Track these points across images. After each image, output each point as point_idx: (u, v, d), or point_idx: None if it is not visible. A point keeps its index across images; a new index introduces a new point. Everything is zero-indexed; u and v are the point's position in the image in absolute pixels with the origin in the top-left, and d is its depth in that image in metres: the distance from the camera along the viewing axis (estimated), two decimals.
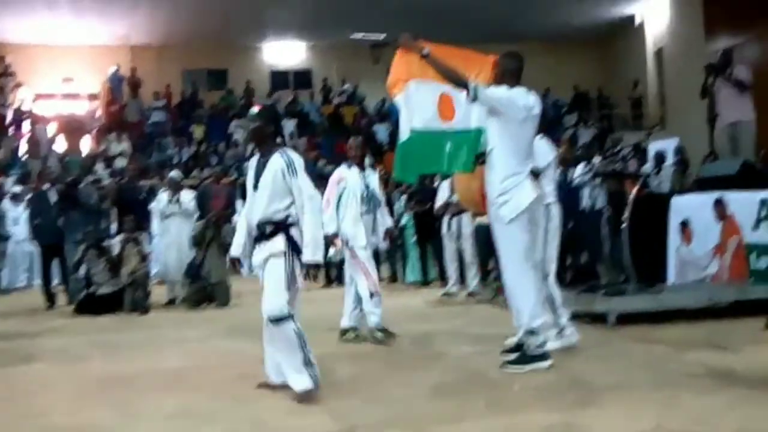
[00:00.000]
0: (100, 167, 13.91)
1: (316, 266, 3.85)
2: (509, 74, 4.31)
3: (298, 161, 3.86)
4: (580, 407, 3.45)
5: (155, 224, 9.44)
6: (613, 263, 6.21)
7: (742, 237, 6.23)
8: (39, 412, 3.86)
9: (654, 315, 5.45)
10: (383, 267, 9.76)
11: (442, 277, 9.08)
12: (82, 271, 8.10)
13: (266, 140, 3.95)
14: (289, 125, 16.13)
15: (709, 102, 7.62)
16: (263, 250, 3.83)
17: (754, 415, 3.24)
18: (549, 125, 13.80)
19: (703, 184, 7.17)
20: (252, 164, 4.02)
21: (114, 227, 9.47)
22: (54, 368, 5.07)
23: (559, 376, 4.06)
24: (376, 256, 6.01)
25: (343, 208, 5.45)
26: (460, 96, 4.31)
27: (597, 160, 7.65)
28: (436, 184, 8.96)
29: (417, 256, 9.82)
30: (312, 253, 3.78)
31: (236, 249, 4.08)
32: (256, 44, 18.86)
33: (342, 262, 9.42)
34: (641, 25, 17.65)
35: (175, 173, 9.53)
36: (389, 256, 10.07)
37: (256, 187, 3.88)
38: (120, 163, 14.42)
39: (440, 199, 8.35)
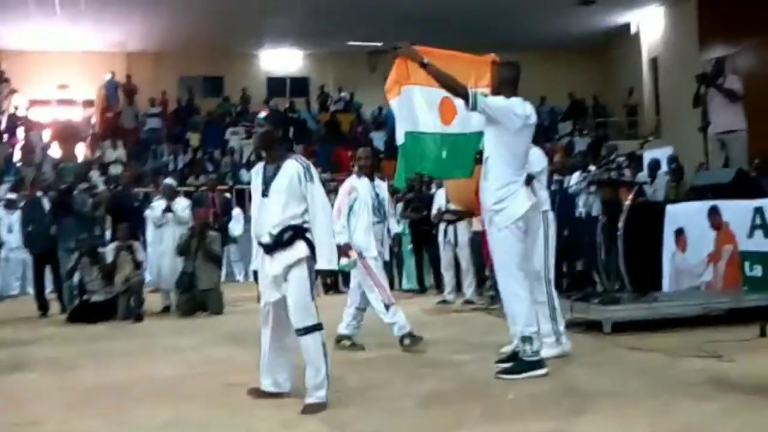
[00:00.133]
0: (95, 174, 13.85)
1: (331, 273, 3.83)
2: (507, 83, 4.34)
3: (313, 167, 3.82)
4: (574, 415, 3.45)
5: (150, 232, 9.41)
6: (608, 271, 6.21)
7: (737, 245, 6.25)
8: (31, 421, 3.84)
9: (649, 323, 5.46)
10: None
11: (438, 285, 9.08)
12: (76, 278, 8.07)
13: (275, 145, 3.84)
14: None
15: (702, 110, 7.66)
16: (283, 258, 3.70)
17: (749, 423, 3.24)
18: (544, 133, 13.88)
19: (697, 193, 7.20)
20: (258, 171, 3.89)
21: (108, 235, 9.42)
22: (47, 376, 5.03)
23: (553, 383, 4.05)
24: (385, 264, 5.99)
25: (354, 219, 5.39)
26: (458, 100, 4.34)
27: (592, 168, 7.67)
28: (432, 191, 8.97)
29: (413, 263, 9.82)
30: (327, 261, 3.69)
31: (256, 263, 3.99)
32: (253, 51, 18.87)
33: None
34: (636, 33, 17.73)
35: (169, 180, 9.51)
36: (385, 264, 10.05)
37: (266, 193, 3.76)
38: (115, 170, 14.39)
39: (436, 207, 8.36)
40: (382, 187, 5.67)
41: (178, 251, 8.13)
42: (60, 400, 4.32)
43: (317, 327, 3.72)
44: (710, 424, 3.24)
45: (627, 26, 17.70)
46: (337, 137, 16.93)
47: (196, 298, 8.06)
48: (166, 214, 8.58)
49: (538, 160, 4.72)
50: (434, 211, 8.42)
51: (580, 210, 7.57)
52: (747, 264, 6.15)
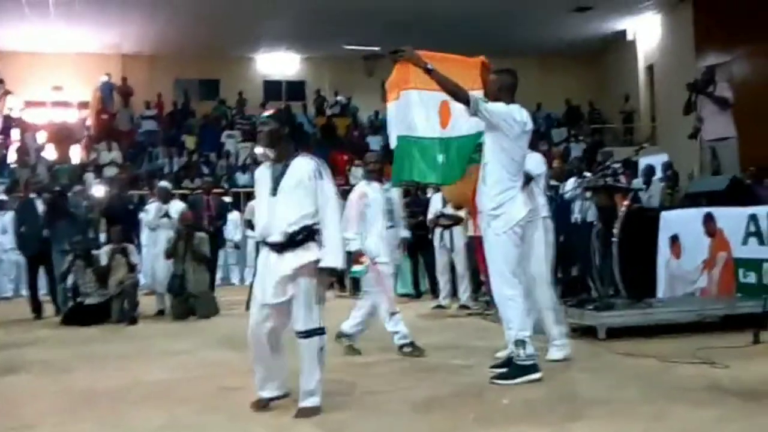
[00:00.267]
0: (89, 176, 13.83)
1: (335, 272, 3.68)
2: (506, 90, 4.38)
3: (325, 166, 3.75)
4: (569, 420, 3.45)
5: (144, 235, 9.39)
6: (602, 277, 6.22)
7: (731, 252, 6.27)
8: (25, 424, 3.83)
9: (643, 329, 5.47)
10: None
11: (434, 290, 9.07)
12: (70, 281, 8.03)
13: (281, 143, 3.75)
14: None
15: (696, 117, 7.69)
16: (294, 258, 3.60)
17: (744, 429, 3.25)
18: (540, 138, 13.90)
19: (692, 200, 7.23)
20: (263, 171, 3.80)
21: (102, 237, 9.41)
22: (41, 379, 5.02)
23: (548, 389, 4.06)
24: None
25: (367, 225, 5.33)
26: (456, 104, 4.36)
27: (588, 174, 7.69)
28: (428, 195, 8.97)
29: (409, 268, 9.81)
30: (333, 259, 3.61)
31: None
32: (249, 55, 18.86)
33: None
34: (633, 40, 17.79)
35: (164, 183, 9.50)
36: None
37: (274, 192, 3.68)
38: (110, 172, 14.35)
39: (432, 212, 8.36)
40: (394, 191, 5.62)
41: (166, 254, 8.13)
42: (54, 403, 4.31)
43: (320, 331, 3.69)
44: (704, 430, 3.25)
45: (623, 33, 17.75)
46: (333, 141, 16.93)
47: (188, 301, 8.04)
48: (162, 217, 8.57)
49: (537, 164, 4.77)
50: (430, 215, 8.41)
51: (576, 216, 7.57)
52: (741, 271, 6.18)
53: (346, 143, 17.11)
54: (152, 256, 8.80)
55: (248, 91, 18.61)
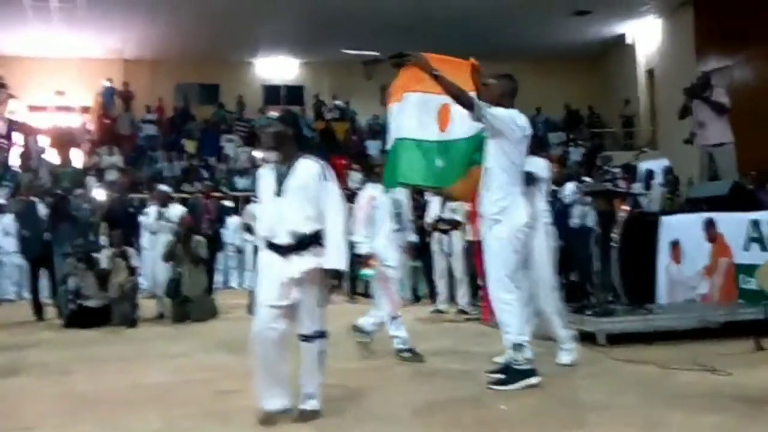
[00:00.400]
0: (91, 180, 13.88)
1: (337, 274, 3.60)
2: (507, 96, 4.40)
3: (329, 168, 3.74)
4: (567, 427, 3.45)
5: (145, 238, 9.41)
6: (602, 282, 6.20)
7: (732, 258, 6.24)
8: (25, 426, 3.85)
9: (643, 335, 5.44)
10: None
11: (432, 294, 9.05)
12: (71, 284, 8.05)
13: (287, 144, 3.72)
14: None
15: (696, 122, 7.68)
16: (303, 261, 3.56)
17: None
18: (540, 142, 13.88)
19: (693, 205, 7.20)
20: (266, 172, 3.76)
21: (103, 240, 9.43)
22: (41, 381, 5.05)
23: (547, 395, 4.04)
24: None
25: (375, 227, 5.34)
26: (455, 107, 4.37)
27: (587, 178, 7.69)
28: (426, 199, 8.95)
29: (408, 272, 9.79)
30: (335, 261, 3.57)
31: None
32: (249, 59, 18.92)
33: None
34: (633, 44, 17.77)
35: (163, 187, 9.53)
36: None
37: (279, 193, 3.64)
38: (111, 176, 14.39)
39: (430, 215, 8.34)
40: (402, 194, 5.62)
41: (164, 257, 8.16)
42: (54, 405, 4.33)
43: (323, 334, 3.68)
44: None
45: (623, 37, 17.73)
46: (332, 145, 16.93)
47: (186, 304, 8.08)
48: (160, 221, 8.59)
49: (542, 169, 4.82)
50: (428, 219, 8.40)
51: (575, 221, 7.57)
52: (743, 277, 6.14)
53: (344, 147, 17.13)
54: (152, 259, 8.82)
55: (247, 96, 18.66)
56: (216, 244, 9.32)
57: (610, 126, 18.96)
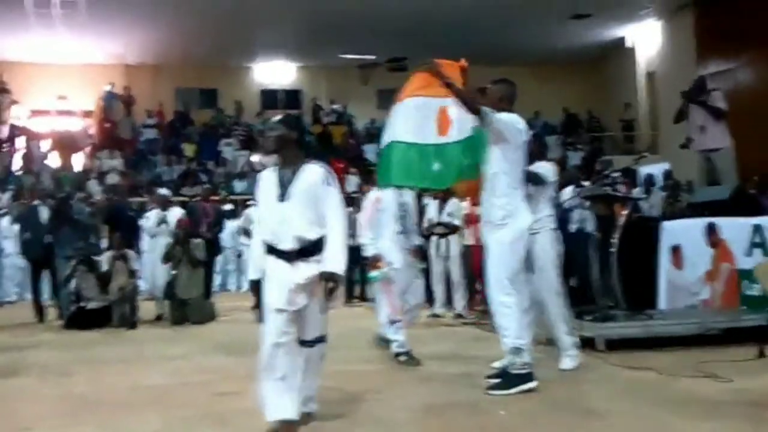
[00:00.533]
0: (92, 183, 13.94)
1: (334, 277, 3.50)
2: (506, 100, 4.40)
3: (333, 174, 3.72)
4: None
5: (145, 241, 9.43)
6: (601, 288, 6.17)
7: (734, 263, 6.20)
8: (25, 427, 3.87)
9: (643, 341, 5.40)
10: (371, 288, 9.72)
11: (429, 299, 9.01)
12: (72, 286, 8.14)
13: (290, 148, 3.69)
14: None
15: (696, 126, 7.65)
16: (310, 268, 3.51)
17: None
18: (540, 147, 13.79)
19: (694, 209, 7.16)
20: (268, 175, 3.71)
21: (104, 243, 9.46)
22: (41, 382, 5.08)
23: (546, 400, 4.03)
24: None
25: (380, 229, 5.34)
26: (453, 111, 4.36)
27: (586, 183, 7.65)
28: (423, 203, 8.92)
29: (418, 274, 9.72)
30: (334, 264, 3.49)
31: (256, 272, 3.68)
32: (247, 64, 18.96)
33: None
34: (632, 48, 17.72)
35: (163, 190, 9.57)
36: None
37: (283, 197, 3.58)
38: (112, 179, 14.44)
39: (427, 219, 8.31)
40: (408, 196, 5.58)
41: (163, 259, 8.19)
42: (53, 406, 4.37)
43: (324, 339, 3.67)
44: None
45: (623, 40, 17.68)
46: (329, 149, 16.93)
47: (184, 306, 8.11)
48: (160, 224, 8.63)
49: (549, 172, 4.84)
50: (425, 223, 8.37)
51: (573, 225, 7.54)
52: (745, 282, 6.10)
53: (342, 151, 17.15)
54: (152, 262, 8.85)
55: (245, 100, 18.70)
56: (215, 247, 9.31)
57: (610, 130, 18.94)
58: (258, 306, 3.63)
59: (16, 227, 9.96)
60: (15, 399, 4.61)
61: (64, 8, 13.89)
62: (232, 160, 16.72)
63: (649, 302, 6.54)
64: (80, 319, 7.85)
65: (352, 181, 14.34)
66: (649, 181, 10.07)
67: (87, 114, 17.82)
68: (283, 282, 3.52)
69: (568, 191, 7.66)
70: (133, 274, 8.16)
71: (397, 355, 5.26)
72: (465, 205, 8.23)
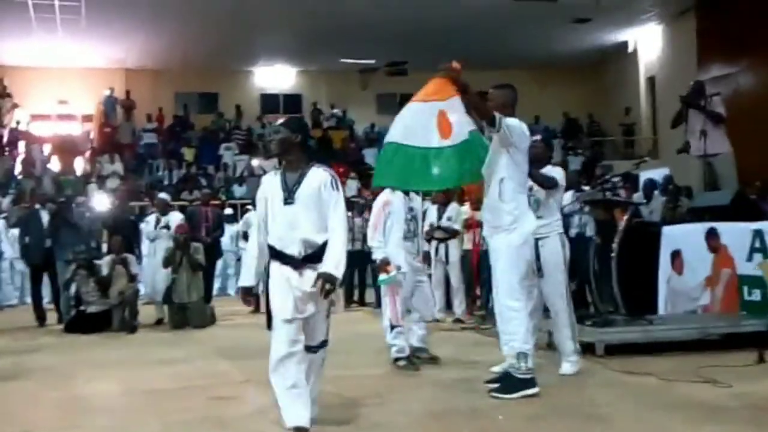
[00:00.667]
0: (93, 188, 13.96)
1: (331, 279, 3.44)
2: (508, 105, 4.41)
3: (338, 178, 3.70)
4: None
5: (144, 245, 9.44)
6: (601, 292, 6.16)
7: (735, 268, 6.18)
8: (25, 430, 3.88)
9: (643, 346, 5.39)
10: (371, 292, 9.72)
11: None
12: (72, 290, 8.17)
13: (294, 151, 3.66)
14: None
15: (699, 131, 7.64)
16: (314, 275, 3.45)
17: None
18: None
19: (695, 215, 7.15)
20: (271, 179, 3.68)
21: (104, 247, 9.46)
22: (41, 386, 5.08)
23: (545, 405, 4.02)
24: None
25: (388, 232, 5.32)
26: (452, 115, 4.36)
27: (586, 187, 7.66)
28: (424, 207, 8.92)
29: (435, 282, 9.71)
30: (332, 267, 3.41)
31: (250, 279, 3.65)
32: (247, 69, 19.01)
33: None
34: (634, 52, 17.73)
35: (163, 195, 9.58)
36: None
37: (289, 201, 3.54)
38: (112, 183, 14.46)
39: (427, 224, 8.30)
40: (416, 200, 5.58)
41: (163, 263, 8.20)
42: (53, 409, 4.38)
43: (327, 343, 3.66)
44: None
45: (624, 44, 17.71)
46: (329, 154, 16.96)
47: (183, 310, 8.12)
48: (159, 229, 8.64)
49: (559, 177, 4.86)
50: (425, 228, 8.36)
51: (574, 230, 7.53)
52: (745, 288, 6.08)
53: (342, 156, 17.17)
54: (152, 266, 8.86)
55: (245, 104, 18.75)
56: (215, 251, 9.32)
57: (611, 134, 18.93)
58: (258, 310, 3.62)
59: (16, 231, 9.97)
60: (15, 402, 4.63)
61: (65, 13, 13.93)
62: (232, 164, 16.76)
63: (649, 307, 6.53)
64: (80, 323, 7.86)
65: (352, 186, 14.35)
66: (650, 186, 10.04)
67: (87, 118, 17.89)
68: (290, 290, 3.48)
69: (568, 196, 7.65)
70: (133, 278, 8.17)
71: (396, 360, 5.26)
72: (465, 210, 8.23)
